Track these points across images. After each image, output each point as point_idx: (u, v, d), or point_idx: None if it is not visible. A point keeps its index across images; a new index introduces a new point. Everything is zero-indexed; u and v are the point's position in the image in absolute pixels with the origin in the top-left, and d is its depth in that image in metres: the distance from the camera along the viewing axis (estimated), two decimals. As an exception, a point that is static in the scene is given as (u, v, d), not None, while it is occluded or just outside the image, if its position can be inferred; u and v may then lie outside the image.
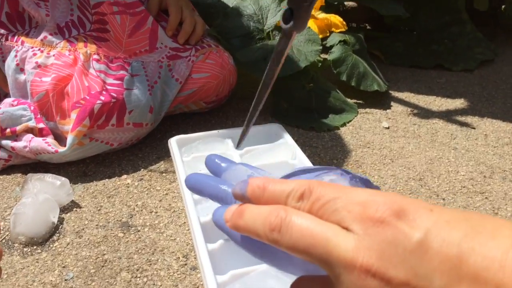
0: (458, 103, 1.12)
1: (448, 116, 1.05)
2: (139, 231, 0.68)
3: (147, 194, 0.77)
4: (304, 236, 0.24)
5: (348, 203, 0.24)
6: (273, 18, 1.06)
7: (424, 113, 1.06)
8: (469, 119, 1.04)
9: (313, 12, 1.13)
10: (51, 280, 0.60)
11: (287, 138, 0.75)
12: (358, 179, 0.35)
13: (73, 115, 0.81)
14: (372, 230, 0.23)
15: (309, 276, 0.27)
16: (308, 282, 0.27)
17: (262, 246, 0.31)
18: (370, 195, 0.24)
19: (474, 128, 1.00)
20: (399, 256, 0.22)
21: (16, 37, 0.91)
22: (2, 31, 0.92)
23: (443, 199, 0.76)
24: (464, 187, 0.80)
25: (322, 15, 1.14)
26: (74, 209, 0.73)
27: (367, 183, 0.35)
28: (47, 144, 0.80)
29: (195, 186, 0.39)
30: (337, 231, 0.24)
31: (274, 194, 0.27)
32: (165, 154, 0.88)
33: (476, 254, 0.21)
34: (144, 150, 0.89)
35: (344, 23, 1.15)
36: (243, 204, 0.29)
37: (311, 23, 1.10)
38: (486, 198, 0.77)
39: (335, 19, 1.13)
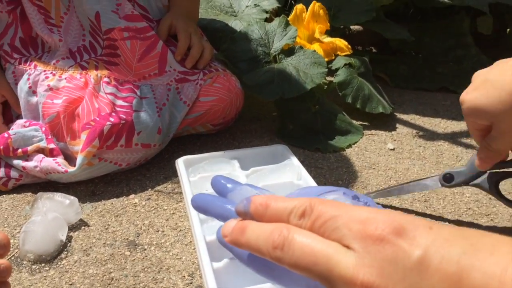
0: (464, 125, 1.12)
1: (453, 138, 1.06)
2: (145, 249, 0.69)
3: (154, 213, 0.78)
4: (306, 253, 0.25)
5: (348, 221, 0.25)
6: (279, 42, 1.08)
7: (430, 135, 1.07)
8: (474, 141, 1.05)
9: (318, 36, 1.16)
10: (58, 298, 0.60)
11: (293, 159, 0.77)
12: (360, 198, 0.36)
13: (83, 136, 0.83)
14: (372, 248, 0.24)
15: None
16: None
17: (266, 264, 0.32)
18: (370, 213, 0.25)
19: (479, 150, 1.00)
20: (399, 273, 0.23)
21: (29, 62, 0.94)
22: (16, 55, 0.95)
23: (448, 221, 0.77)
24: (469, 208, 0.80)
25: (327, 39, 1.16)
26: (82, 227, 0.74)
27: (369, 202, 0.36)
28: (57, 164, 0.82)
29: (201, 205, 0.40)
30: (338, 248, 0.25)
31: (276, 212, 0.28)
32: (172, 174, 0.89)
33: (476, 270, 0.22)
34: (151, 170, 0.91)
35: (349, 46, 1.17)
36: (244, 221, 0.30)
37: (316, 47, 1.13)
38: (491, 220, 0.77)
39: (340, 42, 1.16)
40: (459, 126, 1.12)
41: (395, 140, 1.04)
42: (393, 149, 1.00)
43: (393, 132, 1.08)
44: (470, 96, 0.57)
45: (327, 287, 0.25)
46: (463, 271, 0.22)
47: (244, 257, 0.34)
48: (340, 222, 0.25)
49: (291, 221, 0.27)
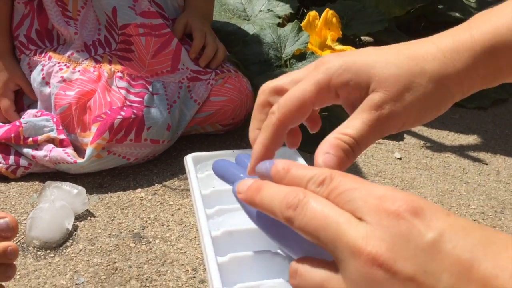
0: (471, 139, 1.12)
1: (460, 151, 1.06)
2: (150, 242, 0.69)
3: (160, 208, 0.78)
4: (317, 218, 0.25)
5: (365, 195, 0.25)
6: (291, 47, 1.09)
7: (437, 147, 1.07)
8: (481, 155, 1.05)
9: (330, 43, 1.17)
10: (62, 284, 0.61)
11: (301, 162, 0.77)
12: None
13: (94, 128, 0.84)
14: (386, 222, 0.23)
15: (313, 258, 0.27)
16: (311, 263, 0.27)
17: (274, 222, 0.31)
18: (389, 191, 0.25)
19: (486, 164, 1.01)
20: (410, 251, 0.22)
21: (44, 53, 0.95)
22: (32, 47, 0.96)
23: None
24: (475, 220, 0.80)
25: (339, 47, 1.17)
26: (89, 218, 0.75)
27: None
28: (66, 154, 0.83)
29: (219, 171, 0.40)
30: (350, 219, 0.24)
31: (296, 177, 0.28)
32: (179, 171, 0.89)
33: (488, 261, 0.22)
34: (159, 166, 0.91)
35: (361, 55, 1.18)
36: (261, 181, 0.30)
37: (327, 53, 1.13)
38: (496, 231, 0.77)
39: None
40: (467, 139, 1.12)
41: (402, 150, 1.04)
42: (400, 158, 1.00)
43: (400, 142, 1.08)
44: None
45: (332, 254, 0.25)
46: (475, 260, 0.22)
47: (253, 214, 0.34)
48: (357, 195, 0.25)
49: (309, 187, 0.27)
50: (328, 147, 0.31)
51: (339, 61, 0.34)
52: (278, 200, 0.27)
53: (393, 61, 0.33)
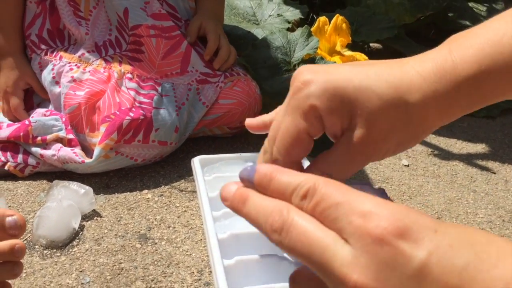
0: (479, 147, 1.12)
1: (468, 159, 1.06)
2: (156, 243, 0.69)
3: (166, 209, 0.78)
4: (302, 241, 0.24)
5: (349, 212, 0.24)
6: (301, 51, 1.09)
7: (445, 155, 1.07)
8: (489, 164, 1.04)
9: (339, 48, 1.17)
10: (68, 283, 0.61)
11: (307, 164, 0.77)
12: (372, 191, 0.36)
13: (102, 129, 0.84)
14: (370, 248, 0.22)
15: (308, 273, 0.27)
16: (306, 281, 0.26)
17: None
18: (375, 206, 0.23)
19: (494, 173, 1.00)
20: (396, 279, 0.22)
21: (55, 53, 0.95)
22: (43, 46, 0.97)
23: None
24: (482, 229, 0.80)
25: (348, 52, 1.17)
26: (95, 217, 0.75)
27: (382, 195, 0.36)
28: (74, 154, 0.83)
29: None
30: (335, 240, 0.23)
31: (279, 187, 0.27)
32: (186, 174, 0.90)
33: (477, 284, 0.21)
34: (166, 168, 0.91)
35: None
36: (245, 189, 0.29)
37: (337, 59, 1.13)
38: (504, 241, 0.77)
39: (361, 57, 1.16)
40: (475, 148, 1.11)
41: (409, 157, 1.04)
42: (408, 166, 1.00)
43: (408, 149, 1.08)
44: None
45: (321, 277, 0.24)
46: (464, 284, 0.21)
47: None
48: (341, 212, 0.24)
49: (293, 200, 0.26)
50: None
51: (320, 84, 0.33)
52: (263, 217, 0.26)
53: (375, 90, 0.33)
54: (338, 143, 0.34)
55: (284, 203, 0.26)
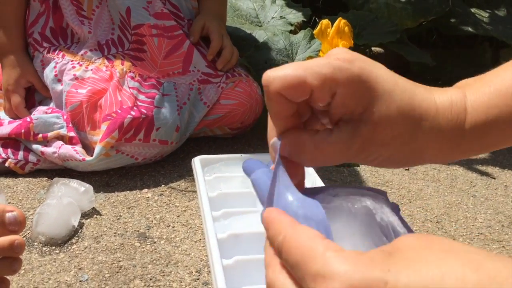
0: (480, 154, 1.12)
1: (468, 164, 1.06)
2: (155, 242, 0.69)
3: (165, 208, 0.78)
4: None
5: (305, 275, 0.24)
6: (303, 54, 1.09)
7: (445, 159, 1.07)
8: (489, 169, 1.04)
9: (341, 52, 1.17)
10: (66, 280, 0.61)
11: (308, 168, 0.77)
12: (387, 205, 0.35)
13: (103, 127, 0.84)
14: None
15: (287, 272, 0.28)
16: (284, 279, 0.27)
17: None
18: (322, 266, 0.24)
19: (494, 178, 1.00)
20: None
21: (57, 51, 0.96)
22: (46, 44, 0.97)
23: (459, 243, 0.76)
24: (481, 233, 0.80)
25: (350, 56, 1.17)
26: (95, 215, 0.75)
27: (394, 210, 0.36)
28: (75, 151, 0.83)
29: (247, 170, 0.40)
30: None
31: (269, 239, 0.28)
32: (186, 173, 0.90)
33: None
34: (166, 167, 0.91)
35: (371, 65, 1.18)
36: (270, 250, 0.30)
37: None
38: (503, 247, 0.77)
39: (363, 60, 1.16)
40: (475, 153, 1.12)
41: (410, 161, 1.04)
42: (408, 169, 1.00)
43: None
44: None
45: None
46: None
47: (264, 202, 0.34)
48: (299, 274, 0.25)
49: (273, 256, 0.28)
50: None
51: (356, 67, 0.32)
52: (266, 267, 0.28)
53: (397, 100, 0.32)
54: (339, 128, 0.32)
55: (270, 264, 0.28)
